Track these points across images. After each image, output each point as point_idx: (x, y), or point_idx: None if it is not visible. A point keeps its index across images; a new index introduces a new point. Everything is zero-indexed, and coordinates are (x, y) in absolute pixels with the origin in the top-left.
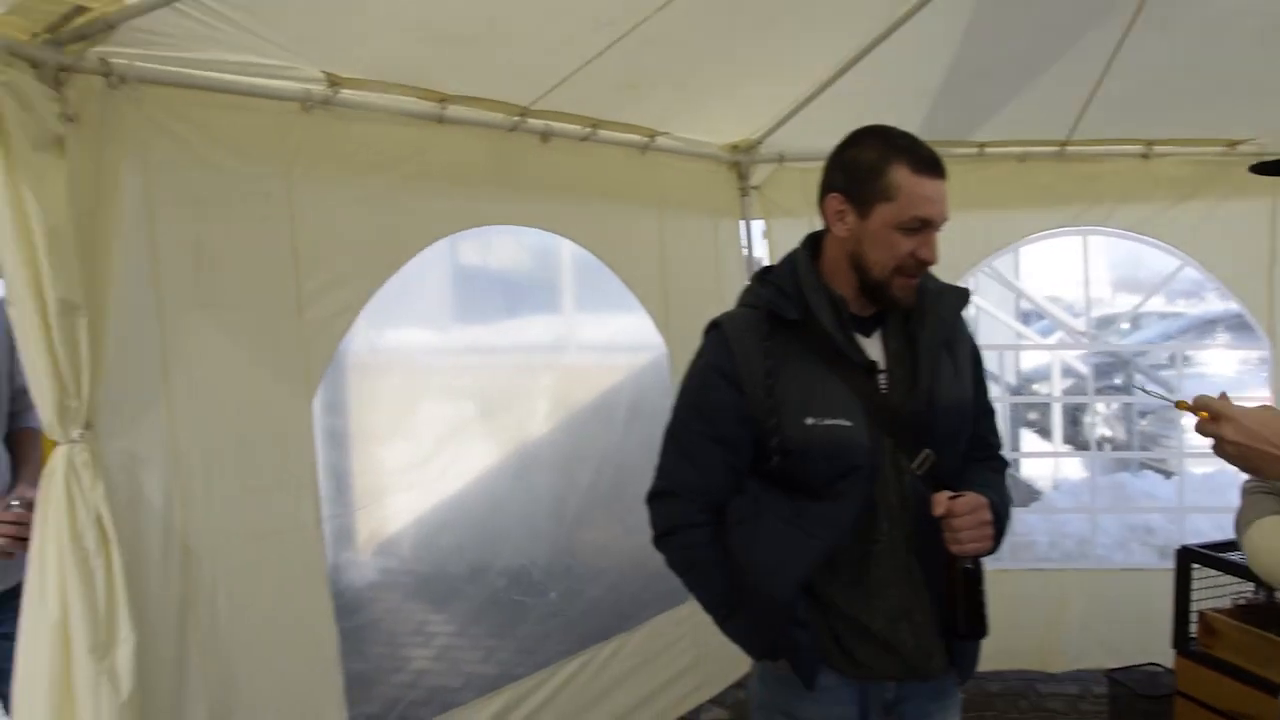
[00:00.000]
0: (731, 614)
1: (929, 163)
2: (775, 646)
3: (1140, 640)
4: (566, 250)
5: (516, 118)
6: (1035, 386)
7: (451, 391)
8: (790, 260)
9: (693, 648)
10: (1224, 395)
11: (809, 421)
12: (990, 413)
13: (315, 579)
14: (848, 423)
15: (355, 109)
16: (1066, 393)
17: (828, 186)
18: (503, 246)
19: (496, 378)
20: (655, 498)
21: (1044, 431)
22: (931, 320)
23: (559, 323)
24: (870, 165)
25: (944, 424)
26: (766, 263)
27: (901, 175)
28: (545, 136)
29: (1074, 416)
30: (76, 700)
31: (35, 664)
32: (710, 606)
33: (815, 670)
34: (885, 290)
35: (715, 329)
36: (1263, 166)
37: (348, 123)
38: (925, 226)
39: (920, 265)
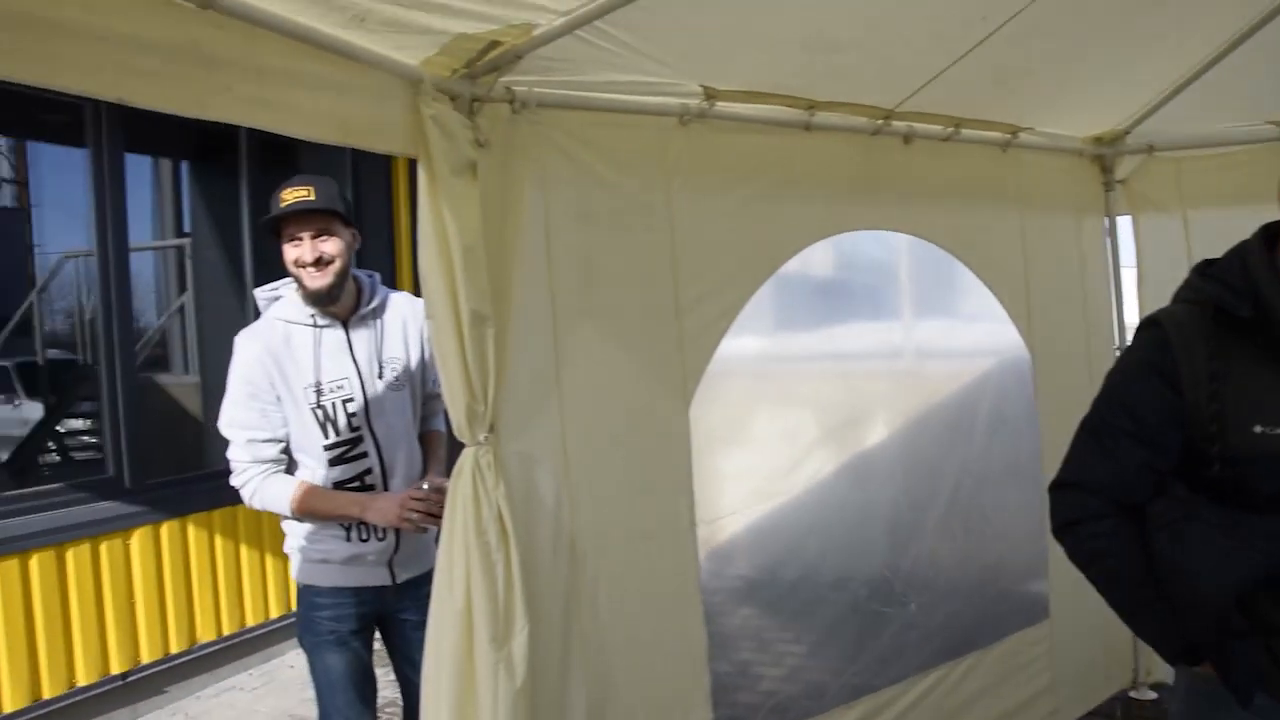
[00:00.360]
0: (1137, 611)
1: None
2: (1193, 650)
3: None
4: (905, 254)
5: (880, 121)
6: None
7: (793, 400)
8: (1239, 252)
9: (1049, 669)
10: None
11: (1258, 430)
12: None
13: (688, 581)
14: None
15: (728, 120)
16: None
17: None
18: (837, 251)
19: (841, 386)
20: (1058, 488)
21: None
22: None
23: (906, 329)
24: None
25: None
26: (1131, 263)
27: None
28: (907, 138)
29: None
30: (477, 686)
31: (442, 650)
32: (1114, 602)
33: (1252, 685)
34: None
35: (1153, 326)
36: None
37: (721, 134)
38: None
39: None
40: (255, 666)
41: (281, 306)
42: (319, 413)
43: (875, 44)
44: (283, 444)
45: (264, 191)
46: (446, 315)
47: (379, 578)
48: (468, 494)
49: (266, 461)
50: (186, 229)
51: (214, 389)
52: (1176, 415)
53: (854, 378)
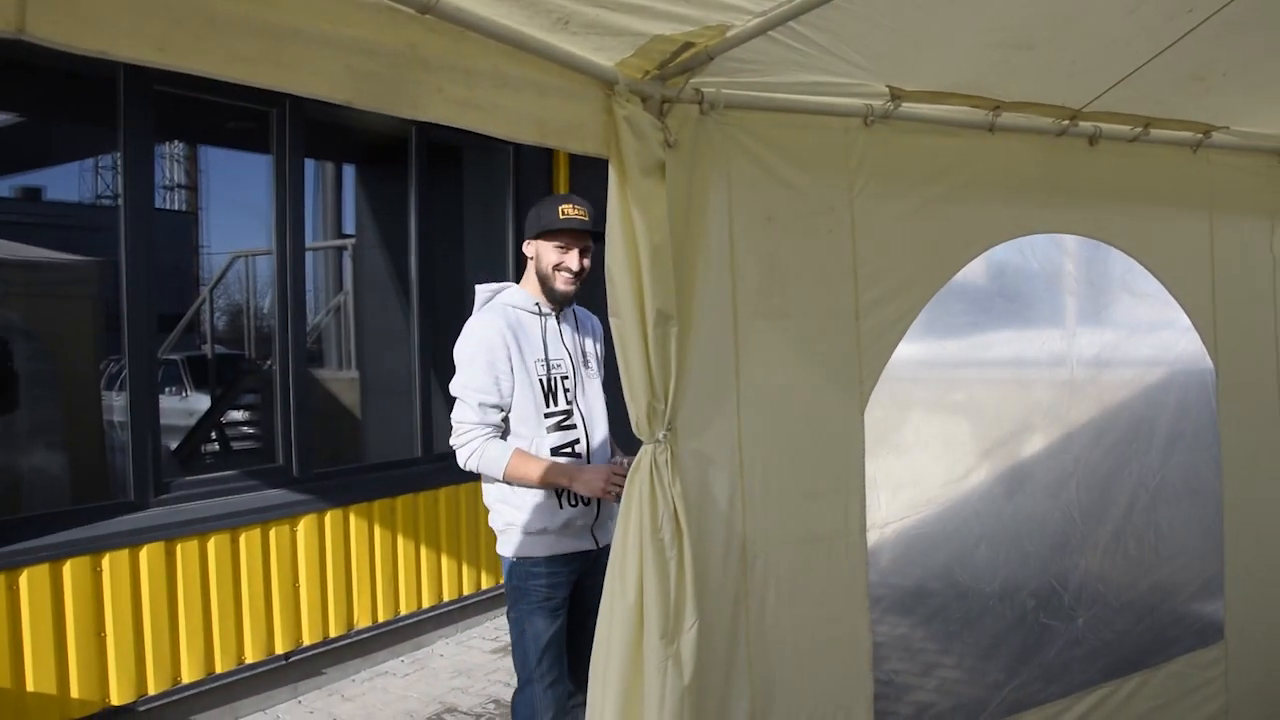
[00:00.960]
0: None
1: None
2: None
3: None
4: (1080, 259)
5: (1066, 122)
6: None
7: (957, 407)
8: None
9: (1222, 693)
10: None
11: None
12: None
13: (856, 586)
14: None
15: (911, 121)
16: None
17: None
18: (1009, 255)
19: (1008, 394)
20: None
21: None
22: None
23: (1073, 337)
24: None
25: None
26: None
27: None
28: (1093, 139)
29: None
30: (645, 681)
31: (612, 643)
32: None
33: None
34: None
35: None
36: None
37: (904, 135)
38: None
39: None
40: (407, 654)
41: (510, 295)
42: (544, 383)
43: (1067, 40)
44: (505, 413)
45: (431, 194)
46: (632, 313)
47: (585, 543)
48: (644, 491)
49: (491, 425)
50: (347, 230)
51: (373, 384)
52: None
53: (1025, 386)
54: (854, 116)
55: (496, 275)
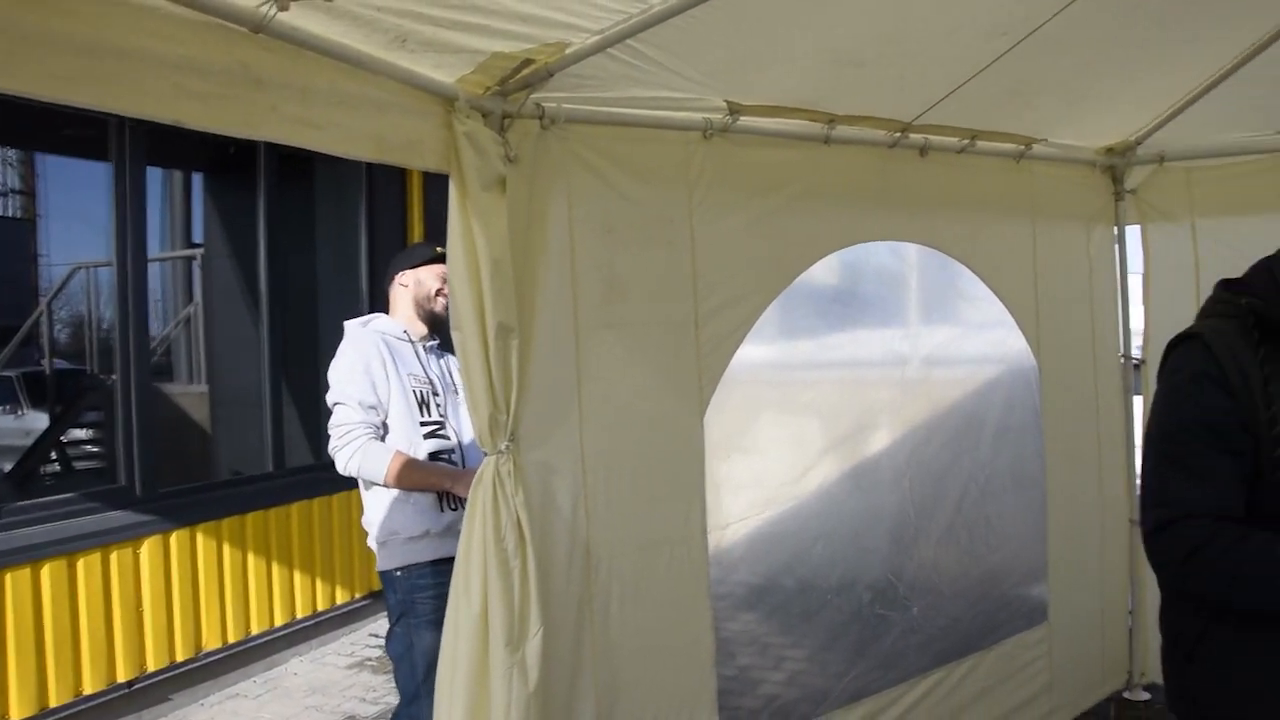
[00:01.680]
0: None
1: None
2: None
3: None
4: (915, 263)
5: (898, 134)
6: None
7: (802, 408)
8: (1268, 266)
9: (1047, 670)
10: None
11: None
12: None
13: (698, 587)
14: None
15: (750, 134)
16: None
17: None
18: (847, 260)
19: (848, 393)
20: (1163, 529)
21: None
22: None
23: (913, 337)
24: None
25: None
26: (1137, 271)
27: None
28: (923, 151)
29: None
30: (491, 688)
31: (457, 652)
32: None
33: None
34: None
35: (1192, 339)
36: None
37: (742, 148)
38: None
39: None
40: (260, 674)
41: (379, 324)
42: (418, 393)
43: (895, 58)
44: (383, 416)
45: (282, 203)
46: (473, 326)
47: None
48: (488, 501)
49: (372, 425)
50: (195, 239)
51: (223, 397)
52: (1242, 419)
53: (862, 385)
54: (693, 130)
55: (350, 285)
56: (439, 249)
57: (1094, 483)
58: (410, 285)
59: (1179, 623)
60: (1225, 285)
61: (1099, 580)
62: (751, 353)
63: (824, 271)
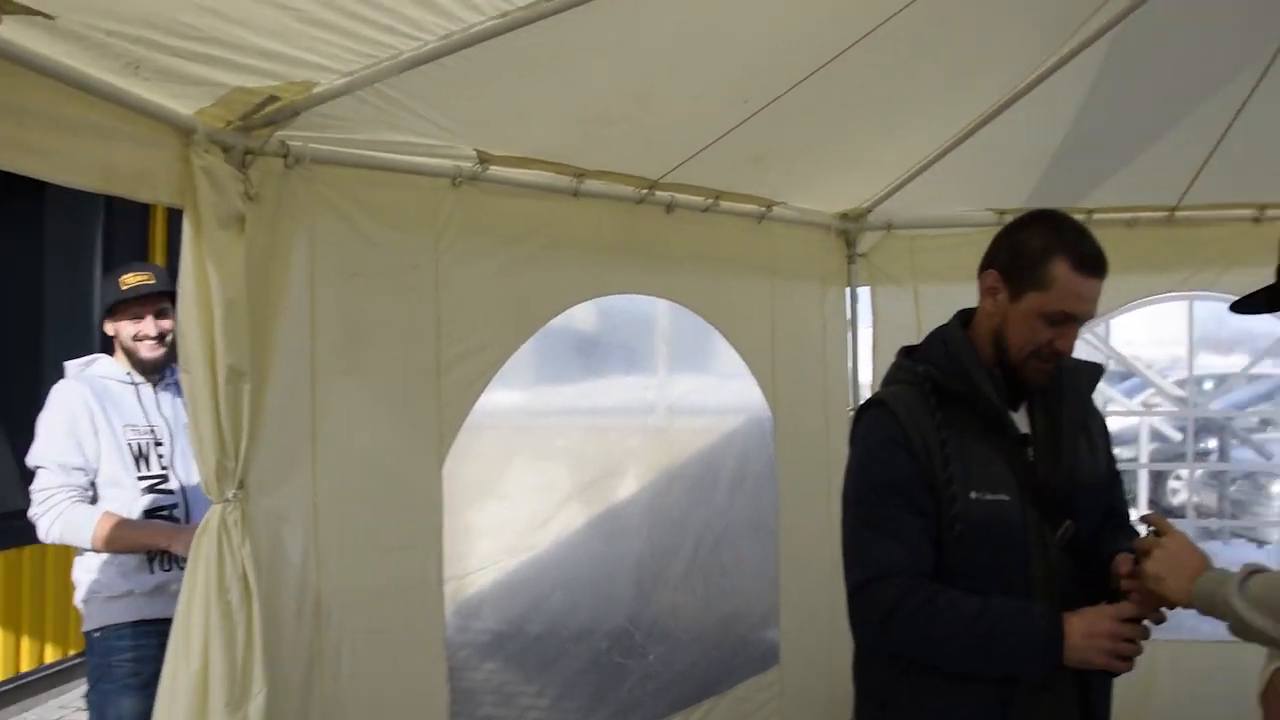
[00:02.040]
0: (994, 623)
1: (1092, 262)
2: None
3: (1235, 714)
4: (663, 314)
5: (645, 190)
6: (1117, 450)
7: (550, 454)
8: (940, 336)
9: (778, 712)
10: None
11: (973, 495)
12: (1119, 481)
13: (433, 639)
14: (1006, 497)
15: (499, 184)
16: (1153, 457)
17: (989, 261)
18: (598, 309)
19: (596, 440)
20: (862, 589)
21: (1130, 497)
22: (1071, 396)
23: (660, 387)
24: (1034, 253)
25: (1084, 497)
26: (868, 329)
27: (1061, 270)
28: (670, 208)
29: (1158, 481)
30: None
31: (174, 713)
32: (977, 641)
33: None
34: (1020, 371)
35: (878, 406)
36: (1244, 305)
37: (491, 197)
38: (1069, 320)
39: (1055, 355)
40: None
41: (99, 366)
42: (134, 446)
43: (643, 118)
44: (91, 477)
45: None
46: (203, 369)
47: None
48: (211, 553)
49: (75, 487)
50: None
51: None
52: (925, 481)
53: (609, 432)
54: (442, 177)
55: (81, 317)
56: (129, 279)
57: (823, 530)
58: (114, 334)
59: (873, 675)
60: (905, 353)
61: (827, 624)
62: (501, 398)
63: (577, 319)
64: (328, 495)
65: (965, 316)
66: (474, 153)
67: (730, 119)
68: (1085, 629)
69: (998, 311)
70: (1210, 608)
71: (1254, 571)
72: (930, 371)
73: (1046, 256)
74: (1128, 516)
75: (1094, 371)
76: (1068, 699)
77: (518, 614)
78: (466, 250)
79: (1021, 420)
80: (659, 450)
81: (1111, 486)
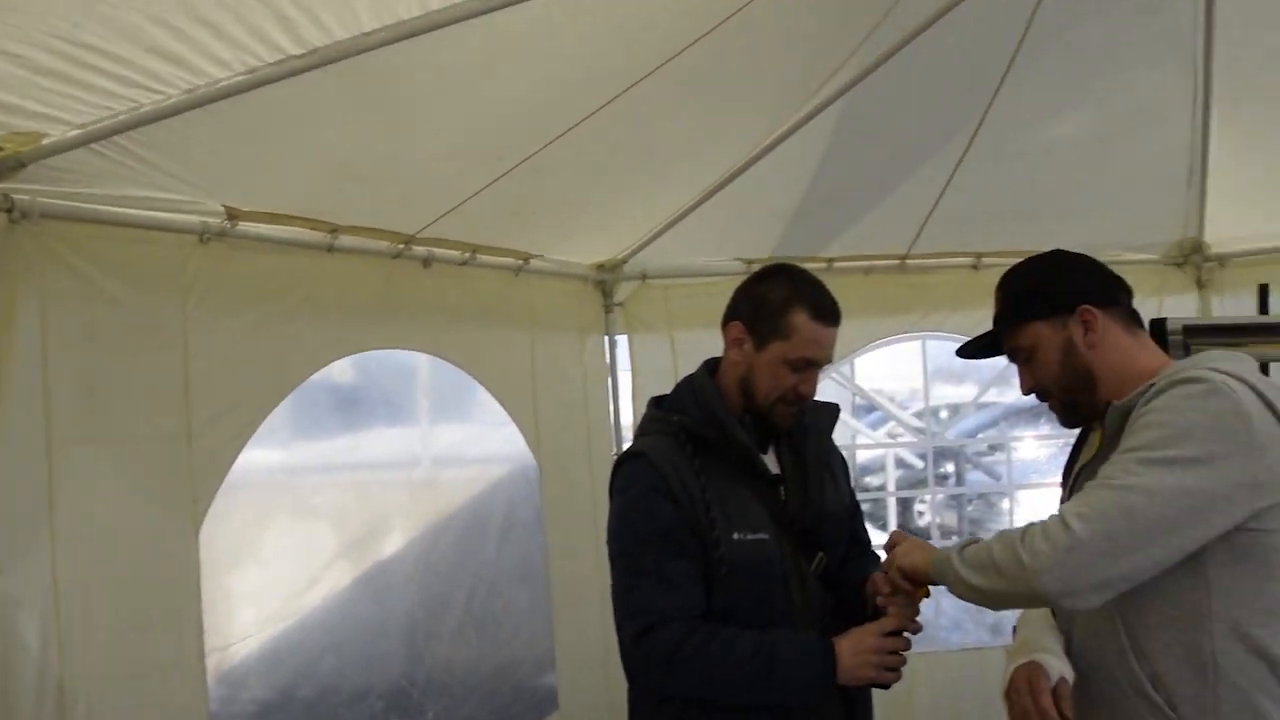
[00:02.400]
0: (773, 654)
1: (828, 312)
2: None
3: (983, 715)
4: (425, 367)
5: (401, 245)
6: (868, 479)
7: (313, 513)
8: (690, 385)
9: None
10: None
11: (736, 537)
12: (860, 512)
13: (195, 715)
14: (765, 536)
15: (250, 240)
16: (899, 484)
17: (733, 313)
18: (359, 363)
19: (360, 497)
20: (643, 637)
21: (880, 523)
22: (813, 435)
23: (424, 439)
24: (775, 305)
25: (831, 528)
26: (627, 376)
27: (801, 319)
28: (427, 262)
29: (905, 506)
30: None
31: None
32: (758, 674)
33: None
34: (767, 416)
35: (637, 458)
36: (967, 350)
37: (242, 253)
38: (810, 365)
39: (800, 398)
40: None
41: None
42: None
43: (397, 174)
44: None
45: None
46: None
47: None
48: None
49: None
50: None
51: None
52: (689, 527)
53: (373, 488)
54: (188, 233)
55: None
56: None
57: (593, 574)
58: None
59: (651, 715)
60: (656, 403)
61: (604, 666)
62: (259, 457)
63: (336, 374)
64: (70, 573)
65: (712, 365)
66: (222, 208)
67: (486, 174)
68: (853, 648)
69: (744, 360)
70: (942, 576)
71: (970, 543)
72: (684, 421)
73: (787, 308)
74: (870, 544)
75: (833, 411)
76: (835, 718)
77: (287, 681)
78: (217, 308)
79: (771, 461)
80: (426, 503)
81: (854, 517)
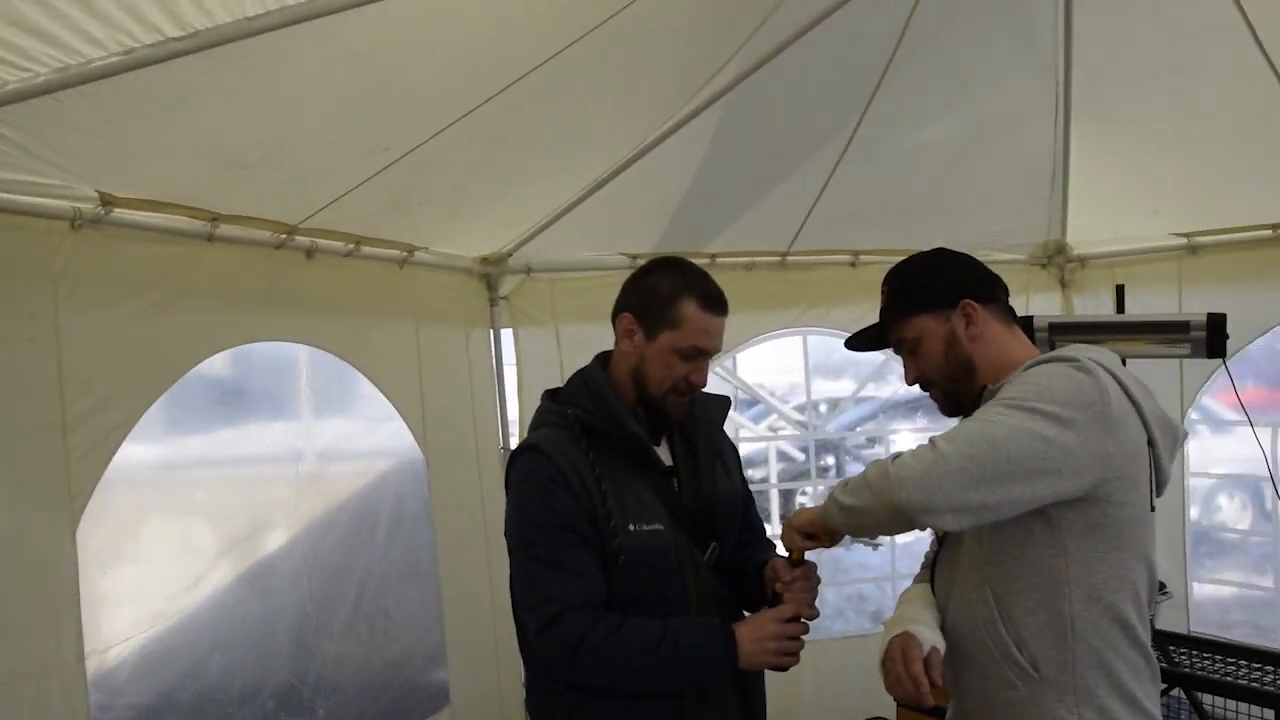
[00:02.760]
0: (677, 641)
1: (716, 301)
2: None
3: (865, 700)
4: (309, 360)
5: (283, 236)
6: (751, 472)
7: (196, 510)
8: (583, 379)
9: None
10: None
11: (632, 528)
12: (752, 499)
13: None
14: (660, 527)
15: (126, 227)
16: (781, 476)
17: (623, 305)
18: (240, 356)
19: (244, 493)
20: (548, 626)
21: (763, 515)
22: (704, 426)
23: (308, 434)
24: (664, 295)
25: (724, 517)
26: (512, 369)
27: (690, 309)
28: (310, 253)
29: (787, 498)
30: None
31: None
32: (663, 660)
33: None
34: (660, 405)
35: (533, 450)
36: (854, 342)
37: (118, 241)
38: (700, 355)
39: (691, 388)
40: None
41: None
42: None
43: (280, 163)
44: None
45: None
46: None
47: None
48: None
49: None
50: None
51: None
52: (587, 516)
53: (256, 483)
54: (60, 219)
55: None
56: None
57: (483, 568)
58: None
59: (550, 704)
60: (550, 396)
61: (494, 660)
62: (138, 453)
63: (216, 366)
64: None
65: (604, 358)
66: (95, 194)
67: (371, 165)
68: (753, 634)
69: (635, 351)
70: (827, 515)
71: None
72: (578, 414)
73: (676, 298)
74: (763, 531)
75: (723, 403)
76: (729, 703)
77: (172, 683)
78: (91, 297)
79: (664, 453)
80: (312, 498)
81: (746, 505)
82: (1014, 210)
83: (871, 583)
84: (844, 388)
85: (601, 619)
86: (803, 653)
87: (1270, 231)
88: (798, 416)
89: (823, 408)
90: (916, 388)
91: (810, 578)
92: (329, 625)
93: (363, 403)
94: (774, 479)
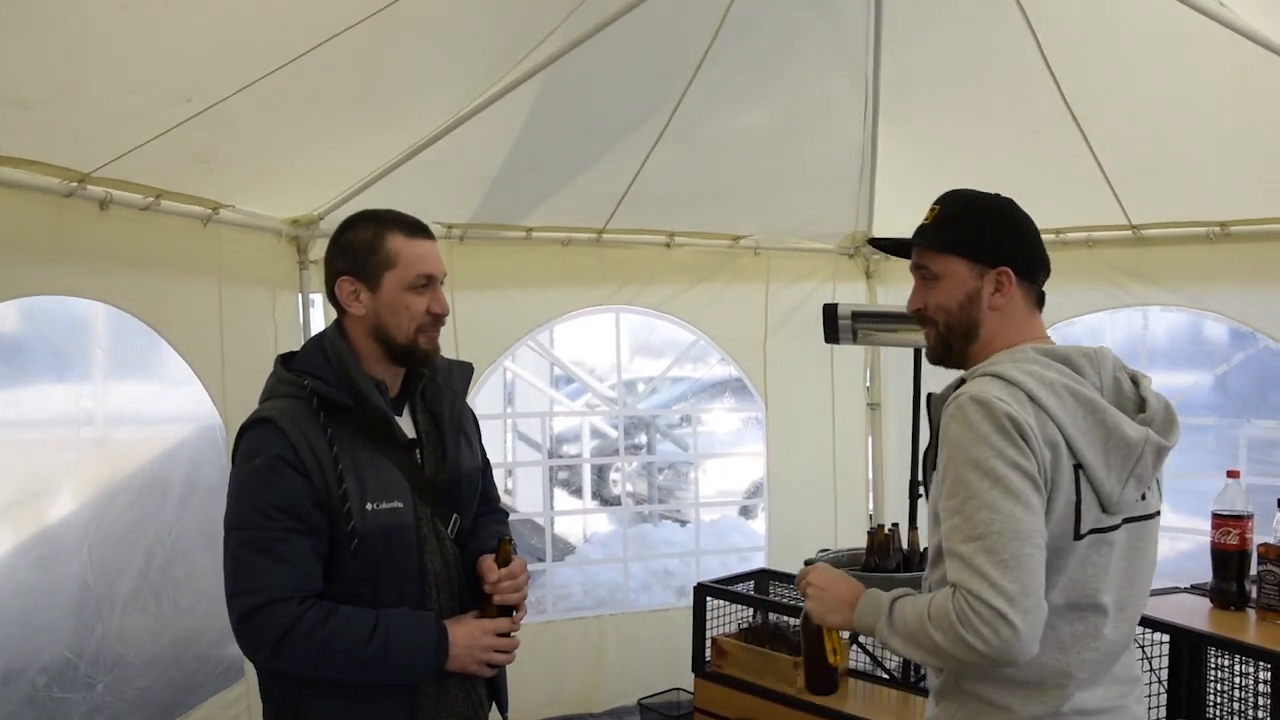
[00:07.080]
0: (388, 639)
1: (417, 227)
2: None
3: (668, 670)
4: (100, 318)
5: (74, 184)
6: (565, 448)
7: None
8: (320, 347)
9: None
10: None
11: (369, 507)
12: (490, 469)
13: None
14: (400, 504)
15: None
16: (595, 452)
17: (335, 273)
18: (21, 311)
19: (21, 456)
20: (251, 615)
21: (575, 490)
22: (448, 395)
23: (97, 396)
24: (368, 242)
25: (466, 489)
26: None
27: (397, 242)
28: (104, 204)
29: (600, 474)
30: None
31: None
32: (370, 656)
33: None
34: (414, 350)
35: (263, 423)
36: (879, 242)
37: None
38: (430, 282)
39: (436, 319)
40: None
41: None
42: None
43: (71, 106)
44: None
45: None
46: None
47: None
48: None
49: None
50: None
51: None
52: (315, 499)
53: (35, 447)
54: None
55: None
56: None
57: None
58: None
59: (277, 694)
60: (284, 362)
61: None
62: None
63: (12, 319)
64: None
65: (339, 327)
66: None
67: (173, 115)
68: (467, 640)
69: (367, 310)
70: (869, 635)
71: (899, 597)
72: (316, 385)
73: (381, 239)
74: (498, 500)
75: (466, 370)
76: (474, 681)
77: None
78: None
79: (406, 423)
80: (99, 464)
81: (484, 475)
82: (824, 200)
83: (676, 558)
84: (660, 366)
85: (309, 611)
86: (605, 627)
87: (1054, 236)
88: (610, 393)
89: (640, 386)
90: (732, 368)
91: (518, 576)
92: (112, 596)
93: (159, 365)
94: (587, 454)
